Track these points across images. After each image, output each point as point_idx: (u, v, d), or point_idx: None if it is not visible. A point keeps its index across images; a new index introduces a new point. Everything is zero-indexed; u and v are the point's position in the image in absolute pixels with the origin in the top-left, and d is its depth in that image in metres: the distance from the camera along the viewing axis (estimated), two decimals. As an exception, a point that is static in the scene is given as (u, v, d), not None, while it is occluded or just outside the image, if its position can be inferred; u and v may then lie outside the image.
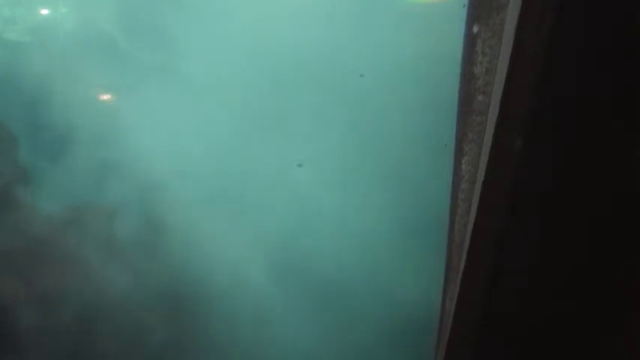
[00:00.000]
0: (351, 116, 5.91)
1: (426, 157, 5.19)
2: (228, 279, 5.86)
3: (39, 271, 5.48)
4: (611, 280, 1.32)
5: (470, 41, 2.11)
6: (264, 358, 5.85)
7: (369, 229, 6.02)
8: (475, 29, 2.07)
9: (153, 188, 5.94)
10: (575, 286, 1.36)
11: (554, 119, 1.19)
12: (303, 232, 6.06)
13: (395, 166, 5.80)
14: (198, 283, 5.83)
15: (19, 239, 5.56)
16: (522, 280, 1.41)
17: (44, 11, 6.05)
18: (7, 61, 5.97)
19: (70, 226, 5.79)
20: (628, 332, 1.35)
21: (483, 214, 1.39)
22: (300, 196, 6.01)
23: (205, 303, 5.86)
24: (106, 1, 5.95)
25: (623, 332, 1.36)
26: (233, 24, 5.73)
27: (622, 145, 1.17)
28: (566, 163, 1.23)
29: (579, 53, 1.13)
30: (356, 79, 5.56)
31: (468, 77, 2.15)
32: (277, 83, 5.80)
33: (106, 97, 6.29)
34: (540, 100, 1.18)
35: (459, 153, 2.30)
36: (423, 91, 5.21)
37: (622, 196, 1.22)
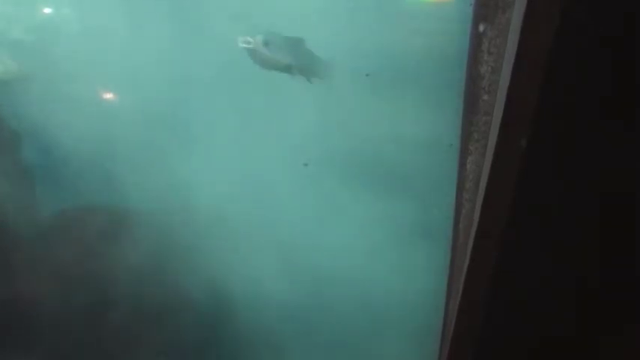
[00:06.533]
0: (356, 115, 5.91)
1: (430, 157, 5.18)
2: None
3: (39, 271, 5.50)
4: (614, 282, 1.32)
5: (476, 40, 2.11)
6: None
7: (372, 228, 6.01)
8: (481, 28, 2.07)
9: (158, 188, 5.95)
10: (578, 287, 1.36)
11: (559, 119, 1.20)
12: (306, 231, 6.06)
13: (399, 165, 5.79)
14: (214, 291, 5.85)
15: (21, 239, 5.58)
16: (526, 279, 1.41)
17: (48, 10, 6.05)
18: (9, 59, 5.98)
19: (73, 226, 5.80)
20: (628, 332, 1.35)
21: (488, 213, 1.39)
22: (304, 196, 6.00)
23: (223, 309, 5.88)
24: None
25: (624, 333, 1.36)
26: (236, 22, 5.73)
27: (625, 146, 1.17)
28: (570, 164, 1.23)
29: (584, 53, 1.13)
30: (362, 79, 5.55)
31: (473, 77, 2.15)
32: (280, 82, 5.80)
33: (108, 95, 6.29)
34: (545, 101, 1.18)
35: (464, 153, 2.30)
36: (429, 90, 5.20)
37: (625, 197, 1.23)
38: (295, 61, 5.73)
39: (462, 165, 2.30)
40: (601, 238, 1.28)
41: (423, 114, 5.34)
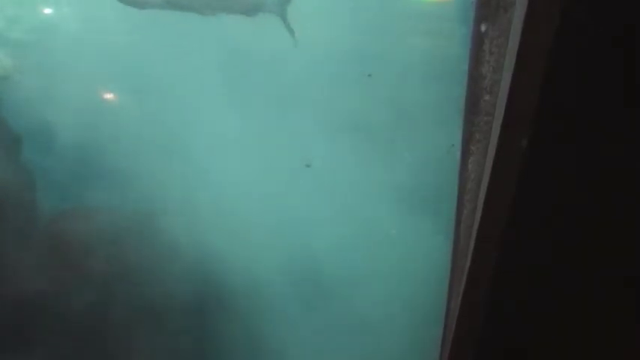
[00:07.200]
0: (358, 115, 5.91)
1: (432, 157, 5.18)
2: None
3: (42, 272, 5.50)
4: (614, 282, 1.32)
5: (477, 40, 2.11)
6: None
7: (373, 229, 6.01)
8: (483, 28, 2.06)
9: (159, 188, 5.96)
10: (578, 287, 1.35)
11: (559, 119, 1.19)
12: (309, 232, 6.06)
13: (401, 165, 5.79)
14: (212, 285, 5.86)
15: (23, 240, 5.59)
16: (527, 280, 1.40)
17: (48, 10, 6.06)
18: (10, 59, 6.00)
19: (75, 227, 5.81)
20: (628, 332, 1.35)
21: (488, 214, 1.39)
22: (306, 197, 6.00)
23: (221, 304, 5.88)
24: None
25: (624, 333, 1.35)
26: (238, 23, 5.73)
27: (625, 146, 1.17)
28: (570, 164, 1.23)
29: (586, 53, 1.13)
30: (364, 79, 5.56)
31: (475, 77, 2.15)
32: (282, 83, 5.80)
33: (109, 96, 6.30)
34: (546, 101, 1.18)
35: (465, 153, 2.29)
36: (430, 91, 5.20)
37: (626, 197, 1.22)
38: None
39: (463, 165, 2.29)
40: (601, 238, 1.28)
41: (424, 114, 5.34)
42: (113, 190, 5.92)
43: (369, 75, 5.43)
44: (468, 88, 2.23)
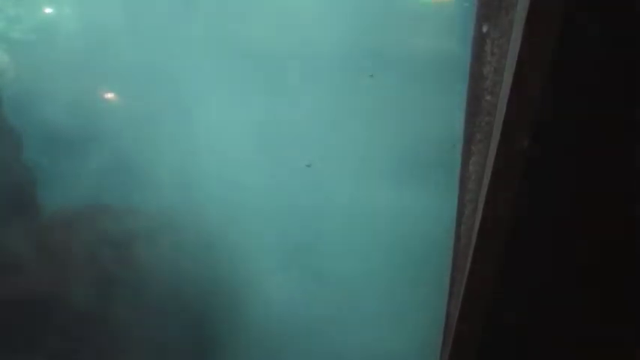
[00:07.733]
0: (359, 116, 5.91)
1: (433, 158, 5.18)
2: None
3: (44, 271, 5.51)
4: (614, 282, 1.32)
5: (479, 41, 2.11)
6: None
7: (374, 230, 6.00)
8: (484, 29, 2.06)
9: (160, 185, 5.96)
10: (578, 288, 1.35)
11: (560, 120, 1.19)
12: (311, 231, 6.06)
13: (402, 166, 5.78)
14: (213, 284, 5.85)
15: (25, 239, 5.59)
16: (527, 281, 1.40)
17: (48, 10, 6.07)
18: (11, 59, 6.01)
19: (77, 226, 5.81)
20: (629, 333, 1.35)
21: (489, 214, 1.39)
22: (307, 197, 6.00)
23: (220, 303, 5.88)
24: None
25: (624, 333, 1.35)
26: (240, 23, 5.73)
27: (627, 146, 1.17)
28: (571, 164, 1.23)
29: (587, 55, 1.13)
30: (365, 79, 5.55)
31: (476, 77, 2.15)
32: (284, 83, 5.80)
33: (110, 94, 6.30)
34: (546, 101, 1.18)
35: (466, 153, 2.30)
36: (432, 91, 5.19)
37: (626, 198, 1.22)
38: None
39: (464, 166, 2.29)
40: (601, 238, 1.27)
41: (426, 115, 5.33)
42: (114, 187, 5.92)
43: (371, 75, 5.43)
44: (469, 89, 2.23)
